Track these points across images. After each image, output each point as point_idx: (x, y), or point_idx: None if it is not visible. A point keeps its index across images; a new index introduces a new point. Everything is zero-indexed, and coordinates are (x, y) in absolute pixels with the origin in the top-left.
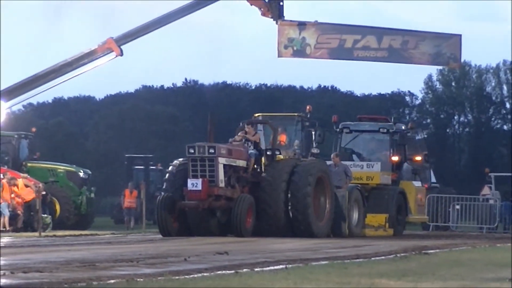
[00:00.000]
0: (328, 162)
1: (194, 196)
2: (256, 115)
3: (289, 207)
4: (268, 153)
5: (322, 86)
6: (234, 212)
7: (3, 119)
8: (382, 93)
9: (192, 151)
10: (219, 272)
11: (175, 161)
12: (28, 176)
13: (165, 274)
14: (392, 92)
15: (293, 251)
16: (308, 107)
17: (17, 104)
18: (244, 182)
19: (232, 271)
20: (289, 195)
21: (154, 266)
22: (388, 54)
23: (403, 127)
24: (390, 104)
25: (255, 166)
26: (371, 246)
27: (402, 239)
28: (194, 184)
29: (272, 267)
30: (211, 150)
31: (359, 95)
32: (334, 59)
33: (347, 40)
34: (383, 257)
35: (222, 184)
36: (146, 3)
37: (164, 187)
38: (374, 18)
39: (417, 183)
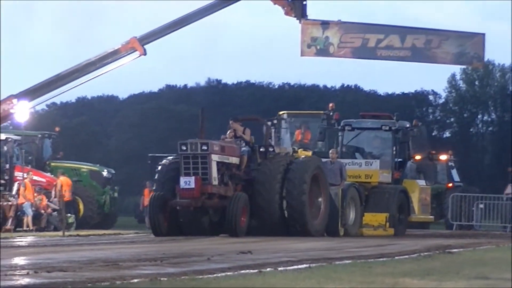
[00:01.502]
0: (324, 160)
1: (186, 194)
2: (281, 113)
3: (284, 206)
4: (261, 149)
5: (345, 85)
6: (229, 211)
7: (26, 118)
8: (405, 92)
9: (184, 148)
10: (242, 271)
11: (165, 160)
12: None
13: (189, 273)
14: (415, 91)
15: (317, 250)
16: (330, 105)
17: (40, 103)
18: (237, 180)
19: (256, 271)
20: (284, 193)
21: (178, 265)
22: (412, 54)
23: (407, 125)
24: (414, 103)
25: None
26: (395, 245)
27: (426, 238)
28: (187, 182)
29: (295, 267)
30: (204, 147)
31: (382, 94)
32: (357, 58)
33: (370, 39)
34: (406, 256)
35: (215, 182)
36: (170, 2)
37: (154, 185)
38: (396, 17)
39: (421, 182)
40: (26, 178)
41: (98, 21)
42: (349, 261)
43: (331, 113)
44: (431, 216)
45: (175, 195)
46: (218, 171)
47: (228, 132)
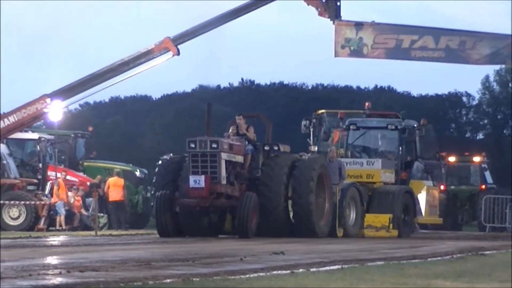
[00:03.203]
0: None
1: (195, 193)
2: (320, 111)
3: (290, 205)
4: (265, 148)
5: (378, 86)
6: (240, 212)
7: (60, 118)
8: (439, 93)
9: (193, 145)
10: (274, 272)
11: (164, 156)
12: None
13: (221, 274)
14: (449, 92)
15: (349, 252)
16: (367, 104)
17: (74, 103)
18: (242, 179)
19: (288, 271)
20: (289, 192)
21: (210, 265)
22: (445, 55)
23: (414, 124)
24: (447, 105)
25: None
26: (428, 247)
27: (459, 240)
28: (197, 181)
29: (327, 267)
30: (214, 145)
31: (415, 96)
32: (391, 59)
33: (404, 40)
34: (439, 258)
35: (224, 182)
36: (204, 2)
37: (154, 183)
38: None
39: (429, 183)
40: (59, 177)
41: (132, 21)
42: (382, 263)
43: (368, 112)
44: (439, 218)
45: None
46: (226, 170)
47: (230, 129)
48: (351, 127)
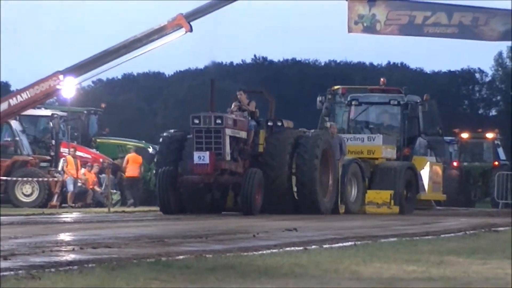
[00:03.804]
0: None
1: (200, 170)
2: (336, 87)
3: (294, 182)
4: (269, 124)
5: (391, 62)
6: (244, 188)
7: (73, 94)
8: (452, 70)
9: (197, 121)
10: (287, 248)
11: (165, 133)
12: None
13: (234, 250)
14: (462, 69)
15: (362, 228)
16: (382, 80)
17: (86, 80)
18: (245, 155)
19: (301, 248)
20: (293, 168)
21: (223, 242)
22: (459, 31)
23: (417, 100)
24: (460, 81)
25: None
26: (440, 223)
27: (472, 216)
28: (201, 157)
29: (340, 244)
30: (218, 121)
31: (428, 72)
32: (404, 35)
33: (417, 17)
34: (452, 234)
35: (228, 158)
36: None
37: (156, 159)
38: None
39: (432, 159)
40: (67, 153)
41: None
42: (395, 239)
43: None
44: (443, 195)
45: (177, 170)
46: (230, 146)
47: (233, 105)
48: (353, 102)
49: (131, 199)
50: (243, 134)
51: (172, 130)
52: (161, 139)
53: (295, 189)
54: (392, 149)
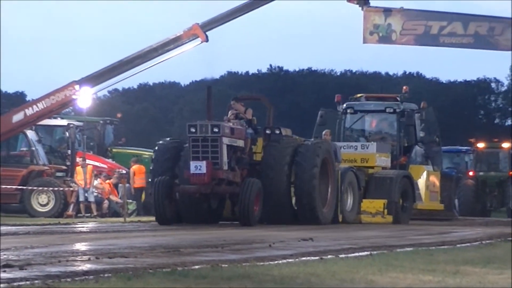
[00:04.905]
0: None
1: (197, 180)
2: (358, 95)
3: (293, 191)
4: (267, 132)
5: (407, 72)
6: (242, 198)
7: (89, 104)
8: (467, 79)
9: (194, 130)
10: (304, 258)
11: (161, 141)
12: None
13: (250, 260)
14: (477, 78)
15: (378, 238)
16: (404, 88)
17: (102, 89)
18: (243, 164)
19: (317, 258)
20: (292, 178)
21: (239, 252)
22: (474, 41)
23: (414, 107)
24: (476, 91)
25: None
26: (456, 233)
27: (488, 226)
28: (198, 166)
29: (356, 254)
30: (215, 129)
31: (444, 82)
32: (420, 45)
33: (433, 27)
34: (468, 244)
35: (226, 167)
36: None
37: (151, 168)
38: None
39: (429, 167)
40: (78, 163)
41: (161, 7)
42: (411, 249)
43: (406, 96)
44: (440, 204)
45: (174, 179)
46: (227, 155)
47: (229, 113)
48: (349, 110)
49: (135, 208)
50: (240, 143)
51: (168, 139)
52: (156, 148)
53: (294, 199)
54: (387, 157)
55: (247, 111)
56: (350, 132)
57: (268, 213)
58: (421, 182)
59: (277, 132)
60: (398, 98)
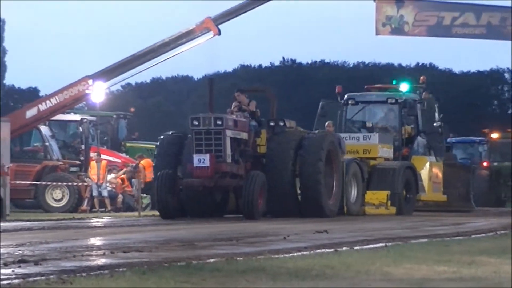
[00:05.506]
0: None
1: (200, 173)
2: (376, 86)
3: (297, 184)
4: (271, 124)
5: (420, 63)
6: (246, 192)
7: (102, 99)
8: (481, 70)
9: (196, 123)
10: (318, 250)
11: (163, 134)
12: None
13: (265, 253)
14: (491, 69)
15: (392, 229)
16: (422, 78)
17: (115, 84)
18: (247, 157)
19: (332, 250)
20: (296, 170)
21: (253, 245)
22: (487, 31)
23: (416, 98)
24: (489, 82)
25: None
26: (471, 224)
27: (502, 216)
28: (201, 160)
29: (371, 245)
30: (218, 122)
31: (457, 73)
32: (432, 36)
33: (446, 17)
34: (483, 235)
35: (229, 160)
36: None
37: (155, 163)
38: None
39: (432, 158)
40: (92, 158)
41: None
42: (425, 240)
43: (423, 86)
44: (443, 196)
45: (177, 172)
46: (230, 147)
47: (233, 105)
48: (350, 101)
49: (149, 202)
50: (244, 135)
51: (170, 132)
52: (159, 141)
53: (299, 191)
54: (389, 148)
55: (251, 103)
56: (351, 124)
57: (272, 206)
58: (424, 173)
59: (281, 124)
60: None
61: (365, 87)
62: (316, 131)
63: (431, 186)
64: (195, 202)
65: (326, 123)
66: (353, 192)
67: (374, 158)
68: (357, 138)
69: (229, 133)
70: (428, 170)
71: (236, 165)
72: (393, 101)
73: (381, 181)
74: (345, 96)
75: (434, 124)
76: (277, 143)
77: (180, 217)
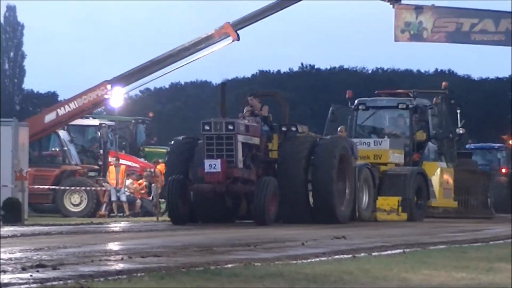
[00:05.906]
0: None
1: (211, 178)
2: (399, 91)
3: (310, 191)
4: (283, 129)
5: (439, 69)
6: (257, 197)
7: (120, 104)
8: (499, 77)
9: (208, 128)
10: (336, 256)
11: (174, 139)
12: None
13: (282, 258)
14: (509, 75)
15: (411, 235)
16: (444, 83)
17: (134, 89)
18: (259, 162)
19: (350, 256)
20: (309, 176)
21: (271, 250)
22: (506, 38)
23: (427, 103)
24: (509, 88)
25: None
26: (489, 230)
27: None
28: (212, 165)
29: (389, 252)
30: (230, 127)
31: (476, 79)
32: (451, 43)
33: (464, 24)
34: (501, 241)
35: (241, 165)
36: None
37: (166, 168)
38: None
39: (442, 164)
40: (111, 163)
41: (192, 6)
42: (443, 246)
43: (446, 92)
44: (454, 202)
45: (188, 177)
46: (242, 153)
47: (244, 109)
48: (360, 107)
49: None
50: (255, 140)
51: (181, 137)
52: (169, 146)
53: (311, 197)
54: (400, 154)
55: (263, 108)
56: (361, 129)
57: (284, 212)
58: (435, 179)
59: (293, 129)
60: (411, 94)
61: (376, 92)
62: (328, 137)
63: (442, 192)
64: (206, 207)
65: (339, 128)
66: (365, 198)
67: (385, 164)
68: (368, 143)
69: (240, 138)
70: (439, 176)
71: (248, 170)
72: (404, 106)
73: (392, 187)
74: (356, 101)
75: (457, 130)
76: (289, 149)
77: (190, 222)
